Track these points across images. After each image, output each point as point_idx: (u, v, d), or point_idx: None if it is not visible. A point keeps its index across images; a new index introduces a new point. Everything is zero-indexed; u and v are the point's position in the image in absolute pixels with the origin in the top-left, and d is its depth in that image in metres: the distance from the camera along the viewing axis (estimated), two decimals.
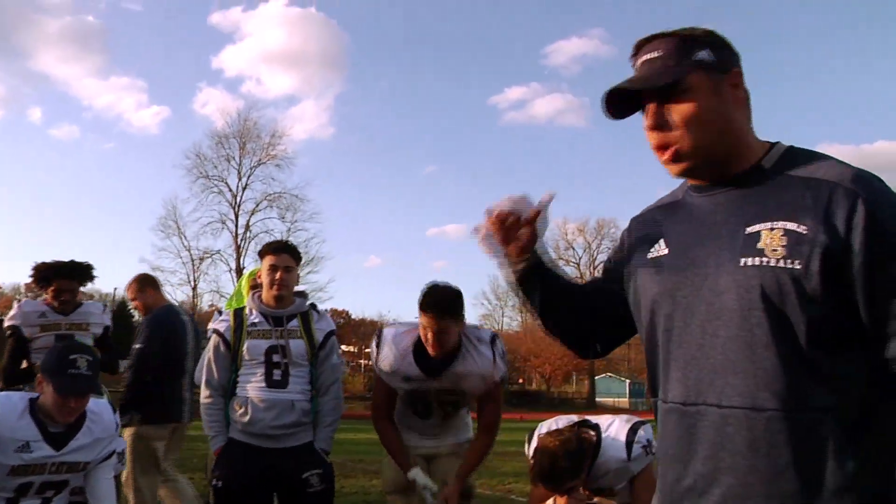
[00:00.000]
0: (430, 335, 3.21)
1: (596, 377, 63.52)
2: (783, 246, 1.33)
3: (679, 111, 1.43)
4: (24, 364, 4.57)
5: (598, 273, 1.84)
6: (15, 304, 4.86)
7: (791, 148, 1.47)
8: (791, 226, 1.33)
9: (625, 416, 3.28)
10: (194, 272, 50.20)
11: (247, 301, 3.62)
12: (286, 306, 3.53)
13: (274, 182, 51.51)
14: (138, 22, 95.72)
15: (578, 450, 2.98)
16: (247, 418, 3.34)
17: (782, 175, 1.40)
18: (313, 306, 3.65)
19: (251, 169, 51.32)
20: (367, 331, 59.84)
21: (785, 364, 1.30)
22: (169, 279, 50.23)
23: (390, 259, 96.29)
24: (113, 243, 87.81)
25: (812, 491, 1.27)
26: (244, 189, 51.10)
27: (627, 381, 64.73)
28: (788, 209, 1.35)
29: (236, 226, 50.41)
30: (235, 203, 50.80)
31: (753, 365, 1.33)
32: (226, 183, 51.02)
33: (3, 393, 3.03)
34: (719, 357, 1.37)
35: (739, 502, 1.34)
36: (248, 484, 3.34)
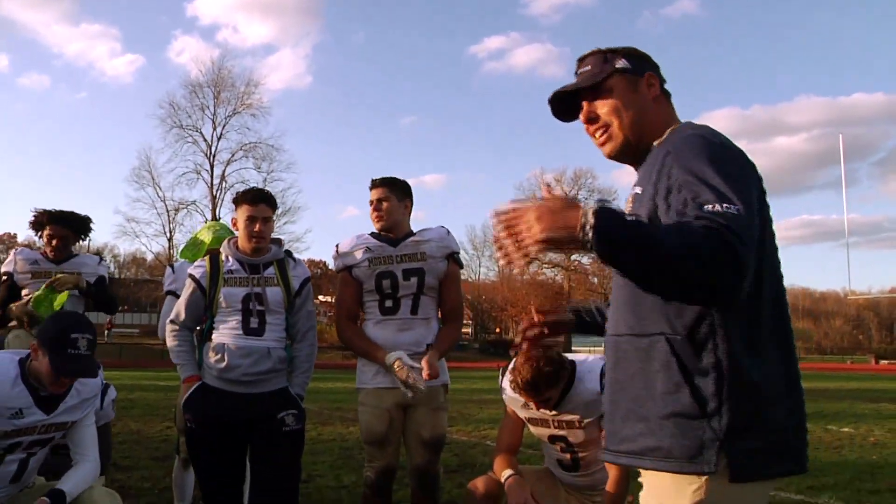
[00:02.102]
0: (374, 207, 3.64)
1: None
2: (630, 206, 1.76)
3: (604, 105, 1.86)
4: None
5: None
6: (11, 252, 4.85)
7: (680, 125, 1.84)
8: (637, 189, 1.75)
9: (600, 354, 3.35)
10: (170, 223, 49.92)
11: (222, 247, 3.60)
12: (263, 254, 3.53)
13: (249, 132, 50.98)
14: None
15: (559, 360, 3.13)
16: (223, 364, 3.35)
17: (656, 148, 1.78)
18: (288, 253, 3.65)
19: (226, 119, 50.68)
20: None
21: (631, 299, 1.71)
22: (144, 230, 50.16)
23: (368, 210, 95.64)
24: (86, 195, 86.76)
25: (648, 395, 1.65)
26: (219, 139, 50.52)
27: None
28: (641, 176, 1.77)
29: (212, 176, 49.98)
30: (210, 153, 50.24)
31: (618, 301, 1.78)
32: (200, 133, 50.38)
33: None
34: (613, 298, 1.83)
35: (611, 408, 1.77)
36: (221, 426, 3.38)
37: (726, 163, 1.59)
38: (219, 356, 3.37)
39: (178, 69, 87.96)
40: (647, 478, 1.70)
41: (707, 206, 1.49)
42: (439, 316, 3.73)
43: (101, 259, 5.00)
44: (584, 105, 1.89)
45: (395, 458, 3.54)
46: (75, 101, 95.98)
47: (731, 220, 1.46)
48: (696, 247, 1.43)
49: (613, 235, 1.46)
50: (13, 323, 4.60)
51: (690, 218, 1.50)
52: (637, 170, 1.87)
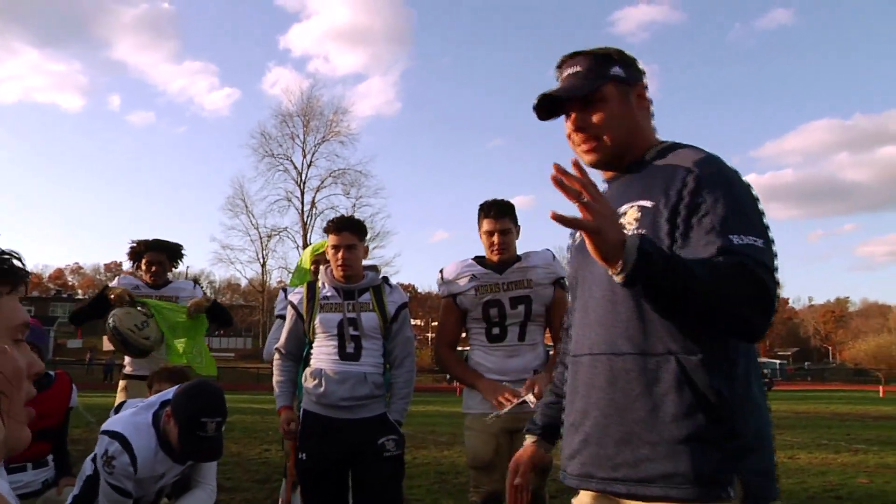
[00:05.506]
0: (494, 238, 3.53)
1: None
2: (636, 219, 1.67)
3: (598, 115, 1.78)
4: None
5: None
6: (116, 279, 5.15)
7: (671, 144, 1.80)
8: (643, 202, 1.67)
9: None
10: (262, 249, 51.43)
11: (320, 274, 3.65)
12: (357, 281, 3.55)
13: (338, 159, 52.31)
14: (209, 5, 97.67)
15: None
16: (321, 390, 3.38)
17: (652, 165, 1.75)
18: (385, 279, 3.66)
19: (315, 146, 52.11)
20: (433, 304, 60.24)
21: (637, 316, 1.62)
22: (238, 257, 51.80)
23: (456, 233, 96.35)
24: (185, 223, 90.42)
25: (656, 417, 1.58)
26: (309, 166, 51.96)
27: None
28: (646, 190, 1.69)
29: (302, 203, 51.35)
30: (301, 180, 51.68)
31: (615, 318, 1.67)
32: (291, 161, 51.92)
33: (132, 427, 3.05)
34: (592, 315, 1.74)
35: (601, 431, 1.66)
36: (330, 455, 3.40)
37: (749, 194, 1.63)
38: (316, 381, 3.41)
39: (272, 100, 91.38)
40: None
41: (734, 238, 1.51)
42: (546, 341, 3.67)
43: (196, 283, 5.23)
44: (574, 112, 1.80)
45: (502, 484, 3.47)
46: (177, 134, 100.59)
47: (758, 253, 1.49)
48: (732, 285, 1.44)
49: (654, 258, 1.42)
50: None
51: (717, 247, 1.50)
52: (610, 177, 1.85)
